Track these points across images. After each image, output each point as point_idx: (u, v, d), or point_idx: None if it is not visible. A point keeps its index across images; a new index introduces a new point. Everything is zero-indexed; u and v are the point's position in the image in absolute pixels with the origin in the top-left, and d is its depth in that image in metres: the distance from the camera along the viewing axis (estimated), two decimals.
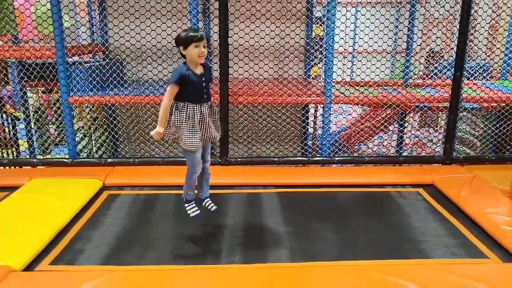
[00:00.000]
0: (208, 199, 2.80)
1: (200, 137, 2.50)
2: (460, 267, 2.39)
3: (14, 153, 5.04)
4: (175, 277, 2.28)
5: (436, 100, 4.26)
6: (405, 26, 4.84)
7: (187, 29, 2.46)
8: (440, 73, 5.93)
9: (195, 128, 2.46)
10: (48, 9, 3.81)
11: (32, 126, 5.02)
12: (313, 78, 5.50)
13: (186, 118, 2.43)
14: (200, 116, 2.46)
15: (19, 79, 4.56)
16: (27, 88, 4.85)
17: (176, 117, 2.45)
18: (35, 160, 4.17)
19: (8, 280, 2.22)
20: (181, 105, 2.44)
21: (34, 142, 4.99)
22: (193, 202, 2.73)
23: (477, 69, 5.36)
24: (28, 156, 4.83)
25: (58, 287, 2.24)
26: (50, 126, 5.99)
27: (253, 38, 4.08)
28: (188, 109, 2.43)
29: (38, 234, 2.66)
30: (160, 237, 2.81)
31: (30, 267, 2.42)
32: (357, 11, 8.58)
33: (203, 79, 2.46)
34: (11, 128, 5.06)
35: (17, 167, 4.46)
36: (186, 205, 2.72)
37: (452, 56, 4.60)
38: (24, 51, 3.93)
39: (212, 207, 2.77)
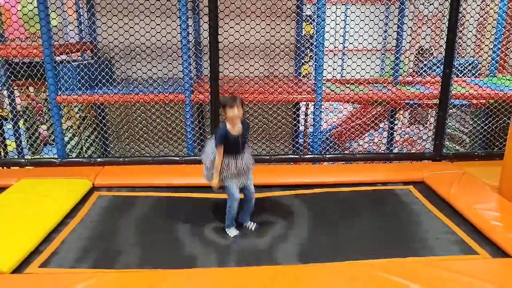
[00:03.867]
0: (250, 222, 2.96)
1: (235, 181, 2.81)
2: (450, 263, 2.40)
3: (2, 153, 4.97)
4: (166, 279, 2.25)
5: (425, 97, 4.28)
6: (394, 24, 4.87)
7: (226, 96, 3.03)
8: (429, 70, 5.97)
9: (230, 175, 2.79)
10: (35, 7, 3.75)
11: (20, 126, 4.95)
12: (303, 76, 5.50)
13: (225, 166, 2.78)
14: (234, 165, 2.79)
15: (6, 78, 4.49)
16: (14, 88, 4.78)
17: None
18: (23, 160, 4.11)
19: None
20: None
21: (22, 142, 4.92)
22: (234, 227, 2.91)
23: (466, 66, 5.40)
24: (16, 157, 4.76)
25: None
26: (39, 126, 5.91)
27: (243, 36, 4.06)
28: (227, 159, 2.77)
29: (26, 236, 2.62)
30: (151, 239, 2.78)
31: (18, 269, 2.39)
32: (347, 8, 8.60)
33: (239, 137, 2.77)
34: None
35: (4, 168, 4.39)
36: (226, 230, 2.89)
37: (441, 54, 4.63)
38: (10, 49, 3.87)
39: (252, 227, 2.93)
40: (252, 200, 2.93)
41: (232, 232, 2.87)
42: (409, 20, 5.92)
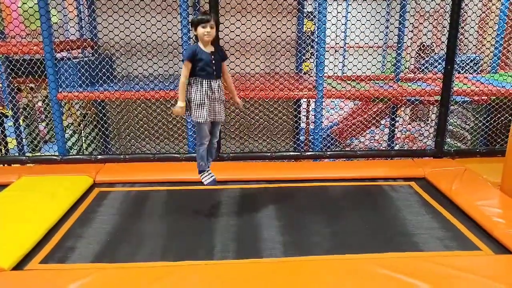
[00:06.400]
0: (209, 170, 3.03)
1: (208, 110, 2.73)
2: (452, 259, 2.40)
3: (3, 150, 4.97)
4: (167, 273, 2.26)
5: (427, 93, 4.27)
6: (396, 20, 4.85)
7: (198, 13, 2.79)
8: (431, 66, 5.95)
9: (204, 101, 2.72)
10: (36, 4, 3.74)
11: (21, 124, 4.94)
12: (304, 73, 5.49)
13: (195, 91, 2.71)
14: (209, 90, 2.72)
15: (7, 76, 4.48)
16: (15, 85, 4.77)
17: (188, 91, 2.75)
18: (24, 157, 4.11)
19: None
20: (192, 80, 2.73)
21: (23, 140, 4.92)
22: (206, 171, 2.99)
23: (467, 62, 5.39)
24: (17, 154, 4.76)
25: (48, 286, 2.20)
26: (40, 123, 5.91)
27: (244, 32, 4.05)
28: (198, 83, 2.70)
29: (27, 233, 2.62)
30: (151, 234, 2.78)
31: (19, 266, 2.38)
32: (348, 5, 8.58)
33: (212, 56, 2.71)
34: None
35: (5, 165, 4.39)
36: (199, 175, 2.97)
37: (443, 50, 4.61)
38: (11, 46, 3.86)
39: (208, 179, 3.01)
40: (214, 144, 2.97)
41: (206, 178, 2.95)
42: (411, 16, 5.90)
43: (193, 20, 2.68)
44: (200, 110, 2.73)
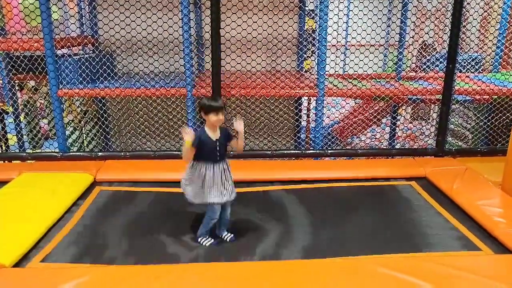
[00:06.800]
0: (226, 233, 2.77)
1: (214, 194, 2.60)
2: (453, 259, 2.39)
3: (3, 147, 4.97)
4: (167, 272, 2.25)
5: (428, 92, 4.26)
6: (397, 19, 4.83)
7: (209, 98, 2.65)
8: (432, 65, 5.94)
9: (210, 185, 2.59)
10: (36, 0, 3.73)
11: (21, 120, 4.94)
12: (306, 71, 5.48)
13: (198, 175, 2.60)
14: (213, 175, 2.60)
15: (7, 72, 4.48)
16: (16, 82, 4.77)
17: (191, 174, 2.64)
18: (25, 154, 4.11)
19: None
20: (195, 164, 2.63)
21: (24, 136, 4.92)
22: (208, 237, 2.73)
23: (469, 61, 5.37)
24: (17, 150, 4.76)
25: (48, 284, 2.19)
26: (40, 120, 5.91)
27: (245, 30, 4.04)
28: (202, 168, 2.60)
29: (28, 230, 2.62)
30: (152, 232, 2.78)
31: (20, 263, 2.39)
32: (350, 3, 8.55)
33: (217, 142, 2.62)
34: None
35: (6, 162, 4.39)
36: (199, 239, 2.70)
37: (444, 49, 4.60)
38: (11, 43, 3.85)
39: (228, 238, 2.74)
40: (227, 211, 2.70)
41: (205, 242, 2.66)
42: (413, 14, 5.88)
43: (204, 106, 2.56)
44: (207, 194, 2.59)
